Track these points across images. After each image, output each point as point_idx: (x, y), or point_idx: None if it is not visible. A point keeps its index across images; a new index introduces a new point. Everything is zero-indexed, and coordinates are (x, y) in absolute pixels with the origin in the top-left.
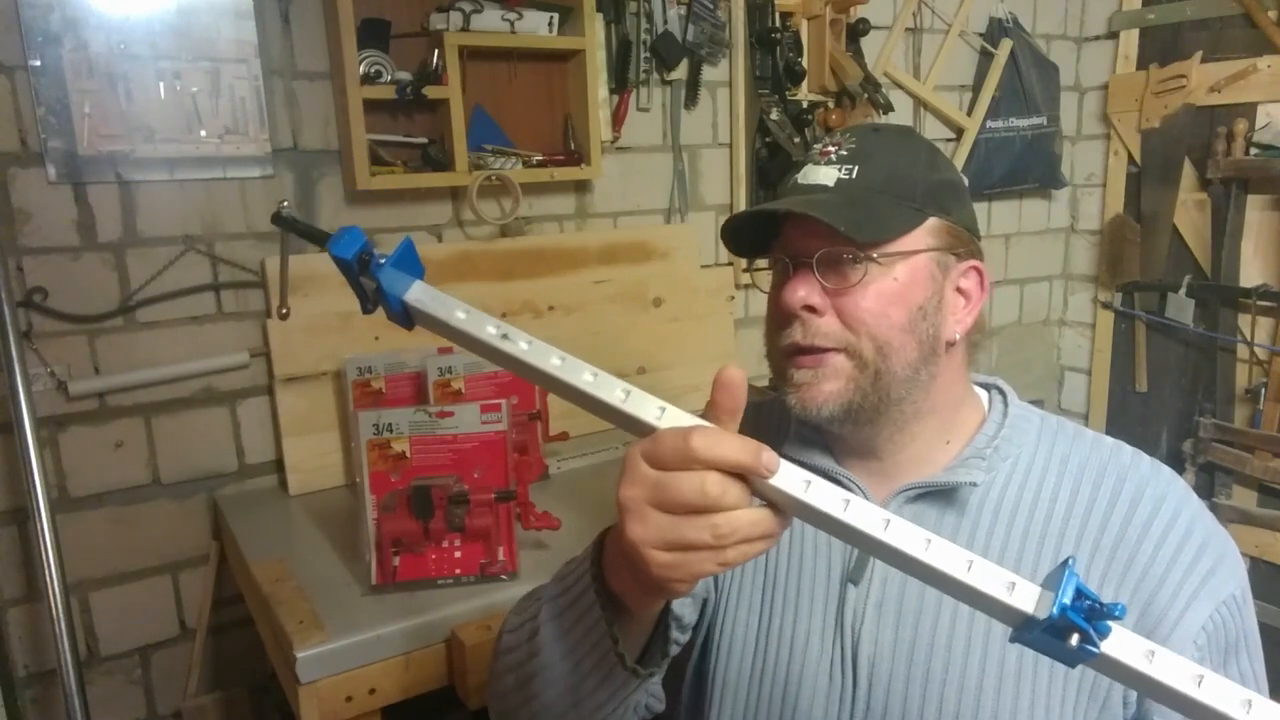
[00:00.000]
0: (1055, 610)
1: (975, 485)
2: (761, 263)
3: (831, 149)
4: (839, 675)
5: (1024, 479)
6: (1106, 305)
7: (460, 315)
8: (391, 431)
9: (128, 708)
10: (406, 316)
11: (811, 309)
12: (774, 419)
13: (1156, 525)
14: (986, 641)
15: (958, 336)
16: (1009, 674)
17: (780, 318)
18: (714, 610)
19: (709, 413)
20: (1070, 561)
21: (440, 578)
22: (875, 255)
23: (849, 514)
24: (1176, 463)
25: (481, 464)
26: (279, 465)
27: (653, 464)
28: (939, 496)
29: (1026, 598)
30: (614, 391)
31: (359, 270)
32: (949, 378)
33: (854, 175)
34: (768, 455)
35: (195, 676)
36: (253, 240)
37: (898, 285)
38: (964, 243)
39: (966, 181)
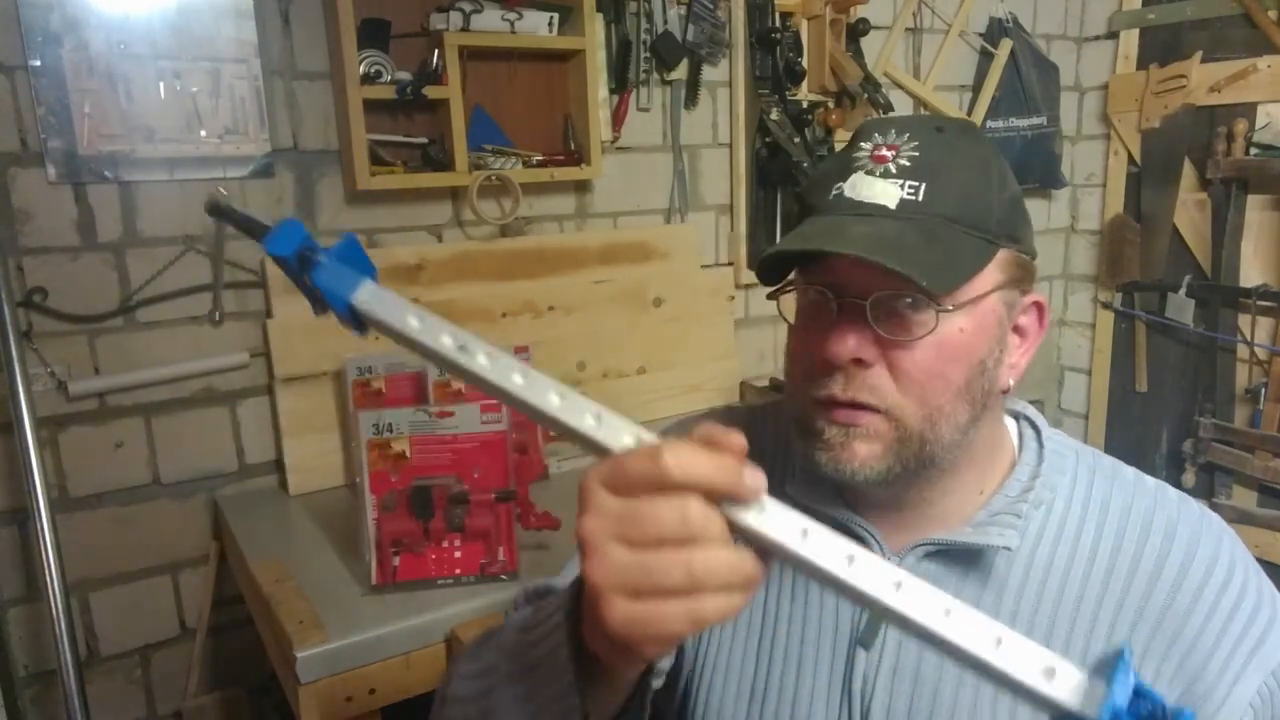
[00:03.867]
0: (1105, 715)
1: (1010, 550)
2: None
3: (888, 153)
4: None
5: (1059, 530)
6: (1106, 305)
7: (414, 323)
8: (391, 431)
9: (128, 708)
10: (357, 320)
11: (861, 361)
12: (767, 444)
13: (1209, 592)
14: (1014, 716)
15: (1012, 384)
16: None
17: (815, 363)
18: (700, 659)
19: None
20: (1126, 653)
21: (440, 578)
22: (948, 304)
23: (853, 572)
24: (1176, 463)
25: (481, 464)
26: (279, 465)
27: (616, 491)
28: (961, 555)
29: (1068, 688)
30: (584, 417)
31: (300, 269)
32: (990, 426)
33: (920, 196)
34: (751, 476)
35: (195, 676)
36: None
37: (963, 337)
38: (1029, 274)
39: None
